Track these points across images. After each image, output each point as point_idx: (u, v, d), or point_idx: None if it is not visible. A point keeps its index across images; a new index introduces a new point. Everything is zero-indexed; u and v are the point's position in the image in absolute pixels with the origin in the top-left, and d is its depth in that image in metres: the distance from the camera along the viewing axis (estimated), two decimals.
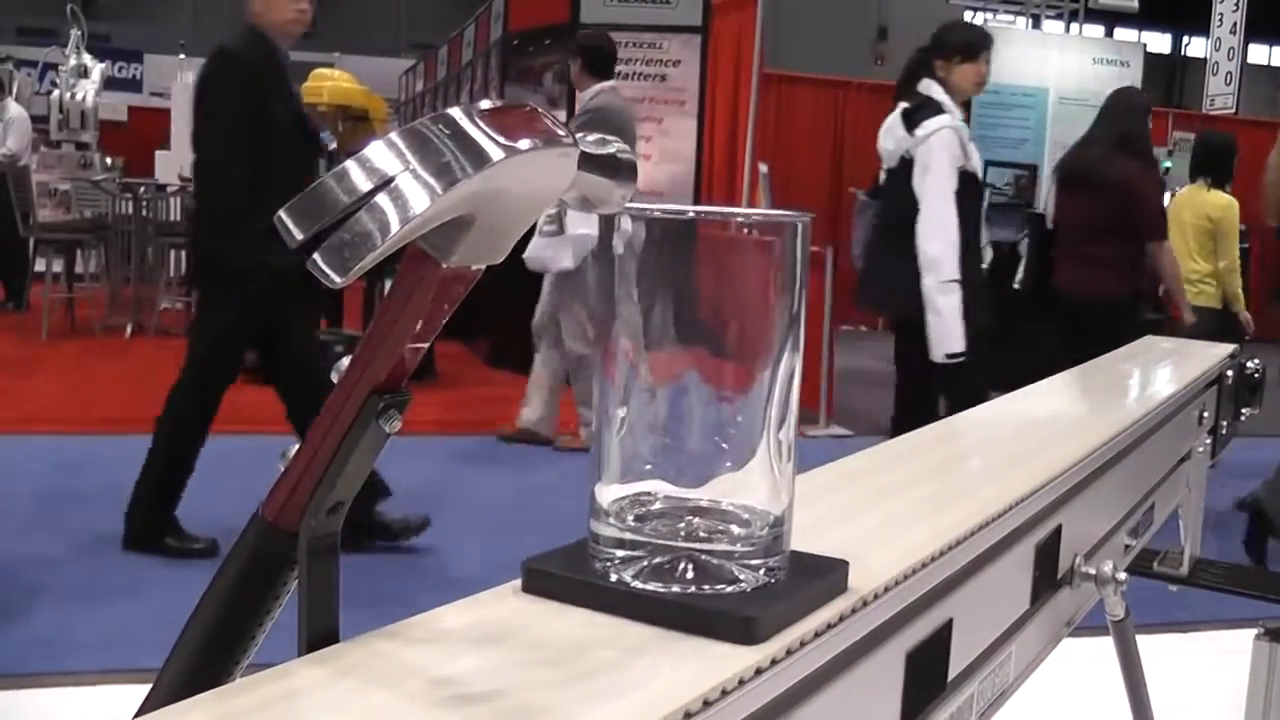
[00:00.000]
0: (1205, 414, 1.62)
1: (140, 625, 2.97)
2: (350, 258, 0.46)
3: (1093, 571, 1.03)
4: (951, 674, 0.76)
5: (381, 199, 0.46)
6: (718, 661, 0.52)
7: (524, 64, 7.72)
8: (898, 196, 3.98)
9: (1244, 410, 1.79)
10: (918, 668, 0.70)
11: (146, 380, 6.59)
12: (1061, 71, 8.59)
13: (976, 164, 4.03)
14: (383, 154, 0.47)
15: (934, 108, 3.95)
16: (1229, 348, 1.79)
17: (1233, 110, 11.35)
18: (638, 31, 7.13)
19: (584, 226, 5.03)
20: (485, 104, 0.50)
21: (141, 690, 0.62)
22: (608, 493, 0.58)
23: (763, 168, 8.83)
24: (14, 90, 10.32)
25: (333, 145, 6.94)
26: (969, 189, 3.94)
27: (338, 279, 0.46)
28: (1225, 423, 1.73)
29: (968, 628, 0.78)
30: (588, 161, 0.53)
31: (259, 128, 3.41)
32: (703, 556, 0.57)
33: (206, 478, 4.18)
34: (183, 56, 15.25)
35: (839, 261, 6.57)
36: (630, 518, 0.58)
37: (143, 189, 9.01)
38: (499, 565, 0.68)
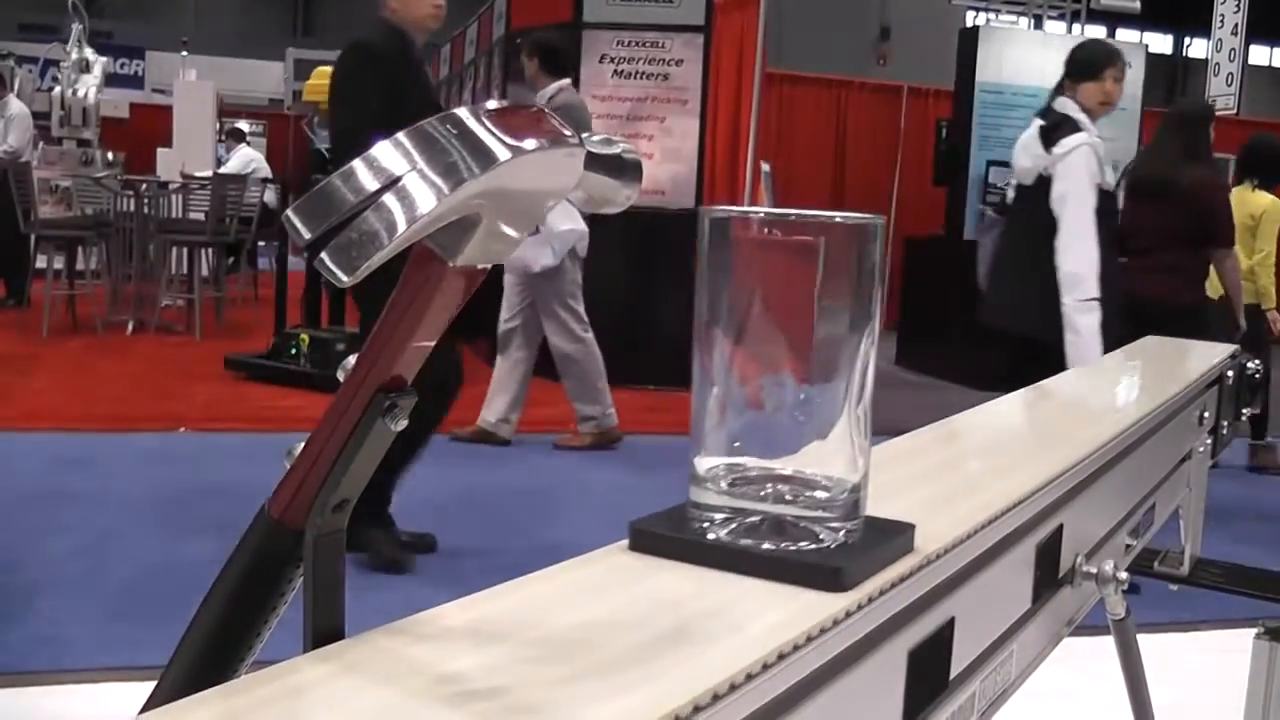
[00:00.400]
0: (1206, 414, 1.62)
1: (141, 623, 2.97)
2: (357, 257, 0.46)
3: (1094, 571, 1.03)
4: (953, 673, 0.76)
5: (388, 199, 0.47)
6: (811, 607, 0.59)
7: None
8: (1031, 213, 3.98)
9: (1244, 410, 1.80)
10: (919, 666, 0.70)
11: (147, 378, 6.61)
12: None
13: (1110, 181, 4.03)
14: (390, 154, 0.48)
15: (1071, 125, 3.95)
16: (1229, 348, 1.80)
17: (1234, 111, 11.34)
18: (640, 30, 7.13)
19: (566, 223, 5.02)
20: (492, 104, 0.50)
21: (142, 688, 0.62)
22: (705, 463, 0.66)
23: (765, 167, 8.83)
24: (15, 86, 10.32)
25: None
26: (1105, 206, 3.92)
27: (345, 278, 0.47)
28: (1226, 423, 1.73)
29: (969, 626, 0.78)
30: (594, 161, 0.54)
31: (394, 121, 3.44)
32: (789, 518, 0.64)
33: (212, 476, 4.19)
34: (185, 53, 15.25)
35: None
36: (724, 484, 0.65)
37: (144, 186, 9.01)
38: (499, 564, 0.68)
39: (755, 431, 0.64)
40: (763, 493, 0.64)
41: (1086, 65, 4.11)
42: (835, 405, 0.63)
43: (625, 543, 0.67)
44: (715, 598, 0.61)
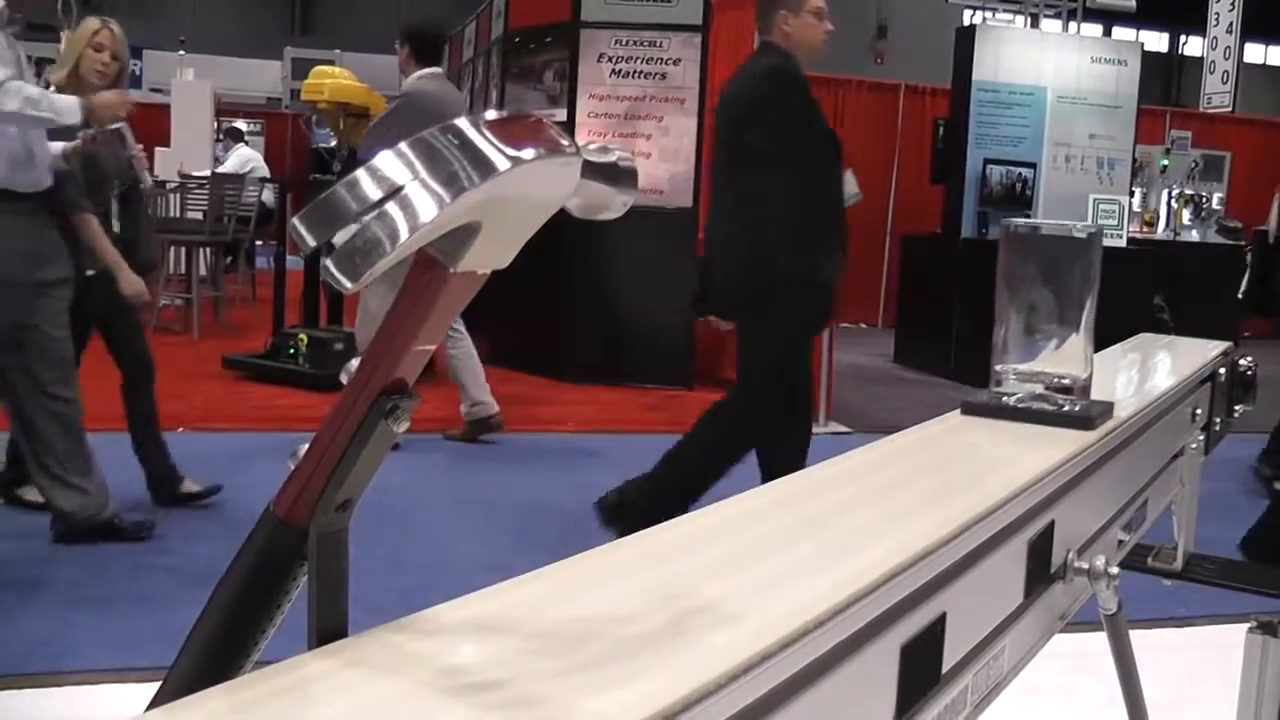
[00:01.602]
0: (1199, 411, 1.64)
1: (142, 624, 2.98)
2: (361, 264, 0.48)
3: (1085, 566, 1.05)
4: (945, 667, 0.78)
5: (391, 207, 0.48)
6: (1075, 439, 1.08)
7: (524, 61, 7.73)
8: None
9: (1237, 407, 1.81)
10: (912, 661, 0.71)
11: None
12: (1059, 70, 8.59)
13: None
14: (392, 164, 0.49)
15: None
16: (1223, 345, 1.81)
17: (1229, 109, 11.37)
18: (638, 30, 7.14)
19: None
20: (491, 114, 0.51)
21: (143, 689, 0.64)
22: (1003, 366, 1.19)
23: None
24: None
25: (333, 143, 6.95)
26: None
27: (349, 285, 0.48)
28: (1219, 419, 1.74)
29: (962, 621, 0.79)
30: (590, 169, 0.55)
31: (809, 141, 3.57)
32: (1051, 395, 1.17)
33: (211, 476, 4.20)
34: (182, 53, 15.23)
35: None
36: (1013, 377, 1.19)
37: (142, 185, 9.00)
38: (498, 561, 0.69)
39: (1031, 349, 1.18)
40: (1035, 379, 1.17)
41: None
42: (1076, 334, 1.17)
43: (959, 411, 1.19)
44: (1010, 434, 1.11)
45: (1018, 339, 1.17)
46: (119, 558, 3.57)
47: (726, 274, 3.65)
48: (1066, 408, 1.14)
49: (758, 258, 3.51)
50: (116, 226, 3.97)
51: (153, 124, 13.37)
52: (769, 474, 3.49)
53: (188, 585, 3.22)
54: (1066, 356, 1.17)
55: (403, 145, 0.49)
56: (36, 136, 3.39)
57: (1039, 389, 1.17)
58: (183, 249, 8.71)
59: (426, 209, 0.48)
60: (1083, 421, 1.11)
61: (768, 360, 3.66)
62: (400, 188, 0.48)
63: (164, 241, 8.65)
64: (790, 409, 3.70)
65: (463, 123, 0.50)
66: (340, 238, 0.48)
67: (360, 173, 0.49)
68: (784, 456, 3.55)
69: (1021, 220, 1.20)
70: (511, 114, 0.52)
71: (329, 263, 0.48)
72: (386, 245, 0.48)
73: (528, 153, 0.50)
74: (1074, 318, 1.17)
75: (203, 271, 8.80)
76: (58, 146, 3.56)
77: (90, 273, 3.76)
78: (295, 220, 0.48)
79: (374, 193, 0.48)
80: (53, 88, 3.70)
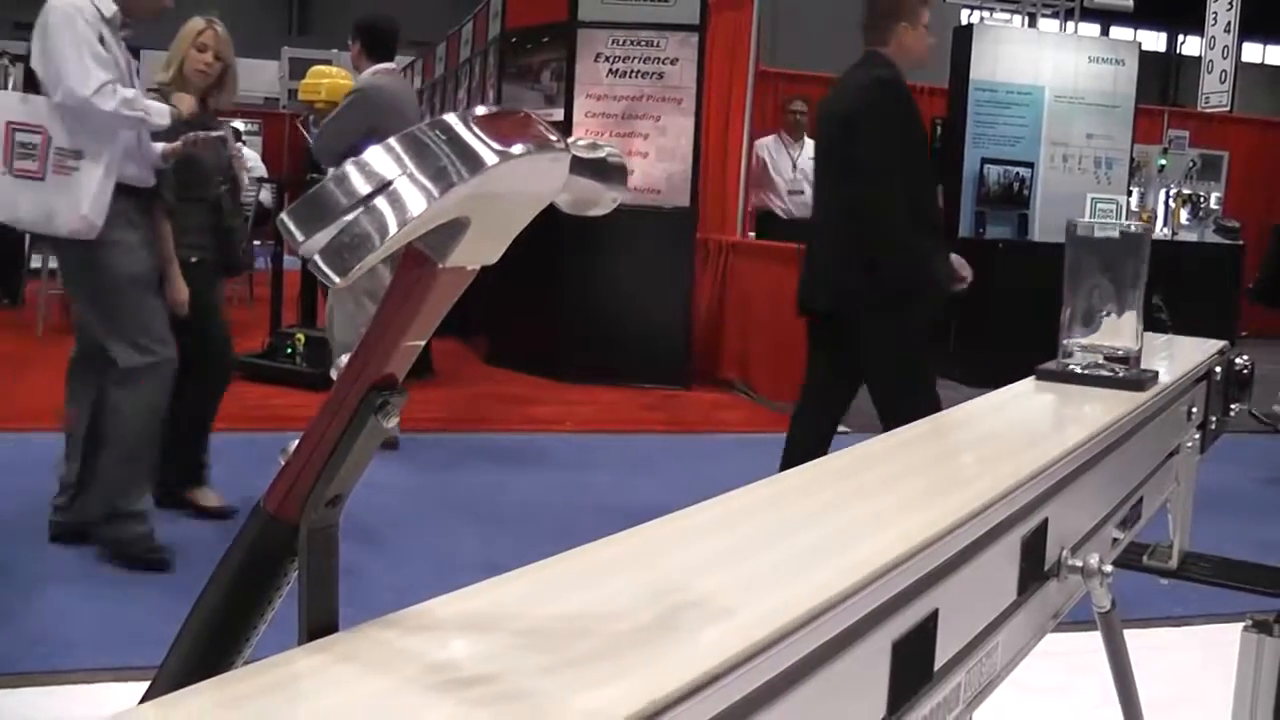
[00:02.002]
0: (1194, 409, 1.64)
1: (135, 624, 2.98)
2: (350, 258, 0.48)
3: (1079, 564, 1.05)
4: (938, 664, 0.78)
5: (380, 202, 0.48)
6: (1129, 398, 1.32)
7: (521, 61, 7.72)
8: None
9: (1233, 406, 1.81)
10: (904, 657, 0.71)
11: None
12: (1057, 69, 8.59)
13: None
14: (381, 159, 0.49)
15: None
16: (1219, 344, 1.81)
17: (1227, 108, 11.37)
18: (635, 29, 7.13)
19: None
20: (480, 110, 0.51)
21: (136, 688, 0.63)
22: (1069, 341, 1.45)
23: None
24: (10, 85, 10.30)
25: None
26: None
27: (338, 279, 0.48)
28: (1214, 418, 1.75)
29: (954, 618, 0.79)
30: (579, 165, 0.55)
31: (910, 153, 3.67)
32: (1108, 363, 1.42)
33: (216, 473, 4.20)
34: None
35: None
36: (1076, 349, 1.44)
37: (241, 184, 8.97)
38: (495, 561, 0.69)
39: (1088, 324, 1.45)
40: (1096, 349, 1.43)
41: None
42: (1129, 313, 1.43)
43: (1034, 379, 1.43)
44: (1077, 395, 1.37)
45: (1080, 318, 1.44)
46: (113, 556, 3.56)
47: (840, 281, 3.70)
48: (1121, 374, 1.41)
49: (872, 264, 3.57)
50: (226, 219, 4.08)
51: None
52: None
53: (186, 584, 3.21)
54: (1120, 332, 1.43)
55: (391, 140, 0.49)
56: (143, 136, 3.52)
57: (1099, 359, 1.43)
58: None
59: (415, 203, 0.48)
60: (1135, 384, 1.38)
61: (902, 363, 3.76)
62: (389, 182, 0.48)
63: None
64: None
65: (451, 118, 0.50)
66: (322, 238, 0.48)
67: (349, 167, 0.49)
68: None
69: (1083, 221, 1.46)
70: (500, 110, 0.52)
71: (317, 258, 0.48)
72: (375, 239, 0.48)
73: (516, 148, 0.50)
74: (1127, 301, 1.44)
75: None
76: (159, 146, 3.65)
77: (194, 259, 3.84)
78: (284, 215, 0.48)
79: (363, 187, 0.48)
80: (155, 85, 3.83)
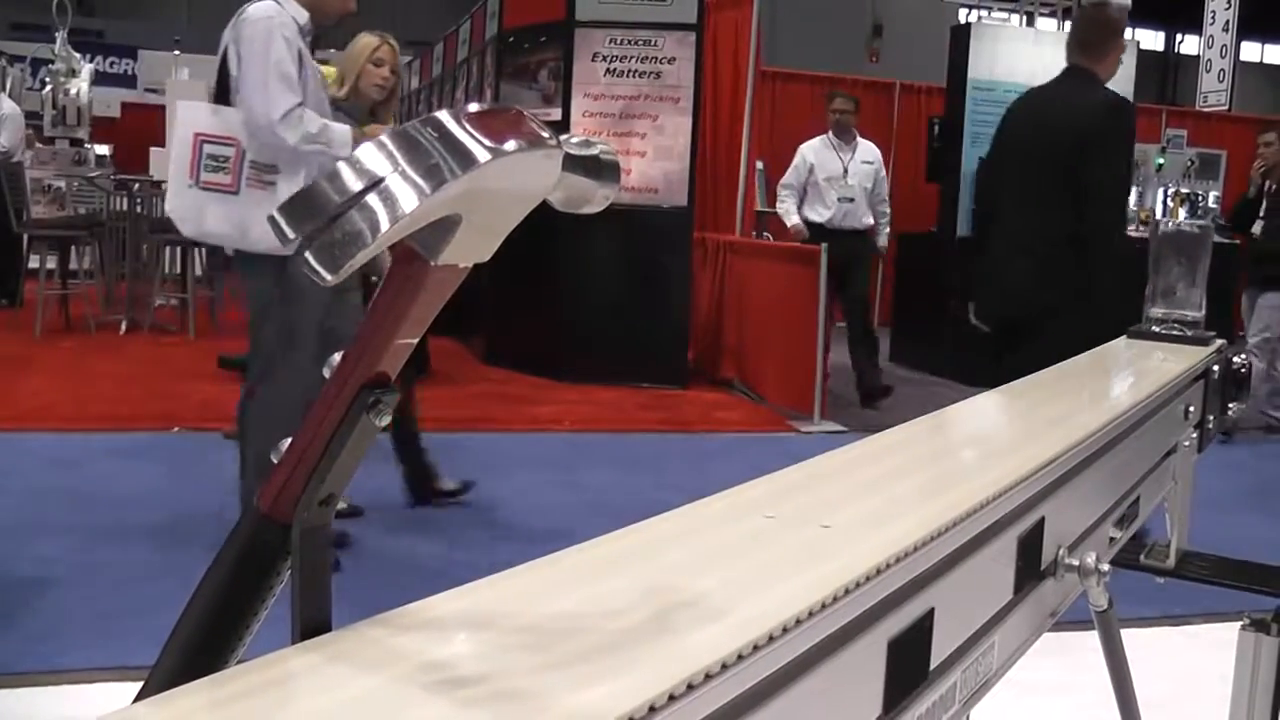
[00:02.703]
0: (1192, 408, 1.64)
1: (134, 623, 2.98)
2: (341, 256, 0.47)
3: (1076, 563, 1.05)
4: (934, 663, 0.77)
5: (372, 199, 0.48)
6: (1197, 351, 1.74)
7: (519, 61, 7.72)
8: None
9: (1230, 405, 1.81)
10: (899, 656, 0.71)
11: (141, 377, 6.60)
12: (1055, 68, 8.59)
13: None
14: (373, 155, 0.49)
15: None
16: (1217, 343, 1.81)
17: (1226, 107, 11.37)
18: (633, 29, 7.13)
19: None
20: (473, 107, 0.51)
21: (135, 689, 0.63)
22: (1153, 310, 1.88)
23: (758, 164, 8.83)
24: (7, 86, 10.30)
25: None
26: None
27: (328, 276, 0.48)
28: (1212, 417, 1.75)
29: (950, 617, 0.79)
30: (572, 162, 0.55)
31: (1130, 173, 3.88)
32: (1180, 327, 1.86)
33: (207, 475, 4.20)
34: (177, 53, 15.19)
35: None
36: (1159, 314, 1.88)
37: (137, 185, 8.99)
38: (493, 561, 0.69)
39: (1169, 299, 1.86)
40: (1171, 319, 1.85)
41: None
42: (1193, 289, 1.86)
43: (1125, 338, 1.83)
44: (1160, 349, 1.73)
45: (1162, 293, 1.87)
46: (112, 557, 3.56)
47: (1034, 293, 3.71)
48: (1190, 334, 1.83)
49: (1084, 283, 3.61)
50: None
51: (148, 123, 13.37)
52: None
53: (182, 584, 3.21)
54: (1190, 303, 1.85)
55: (383, 137, 0.49)
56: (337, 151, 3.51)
57: (1170, 328, 1.84)
58: (178, 249, 8.70)
59: (407, 200, 0.48)
60: (1200, 341, 1.80)
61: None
62: (381, 179, 0.48)
63: (160, 241, 8.64)
64: None
65: (443, 115, 0.50)
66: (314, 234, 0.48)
67: (340, 164, 0.49)
68: None
69: (1162, 219, 1.66)
70: (493, 107, 0.51)
71: (308, 255, 0.48)
72: (367, 236, 0.47)
73: (509, 145, 0.50)
74: (1195, 280, 1.85)
75: (198, 271, 8.78)
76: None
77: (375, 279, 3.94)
78: (275, 212, 0.48)
79: (355, 184, 0.48)
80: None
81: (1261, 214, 6.94)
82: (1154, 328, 1.84)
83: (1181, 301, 1.85)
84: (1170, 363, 1.60)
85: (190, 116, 3.40)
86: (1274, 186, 6.89)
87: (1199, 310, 1.86)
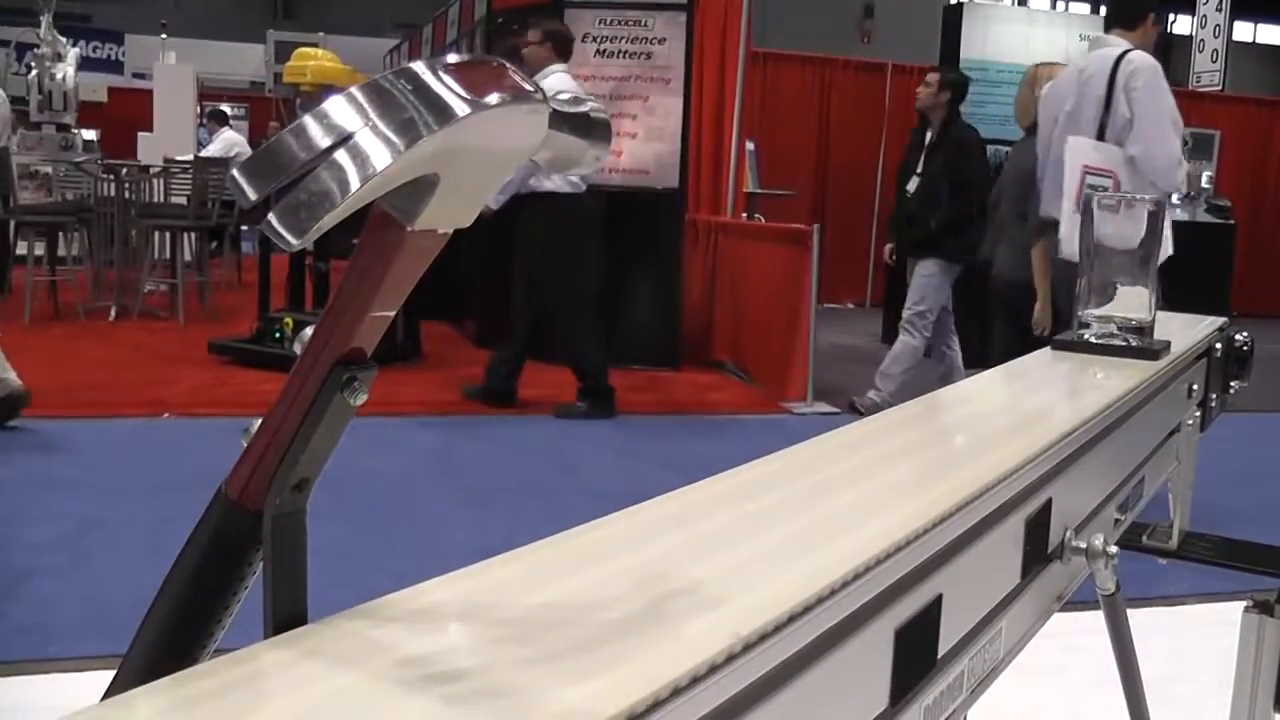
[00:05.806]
0: (1195, 387, 1.61)
1: (124, 610, 2.95)
2: (307, 218, 0.43)
3: (1083, 545, 1.02)
4: (941, 650, 0.74)
5: (340, 156, 0.44)
6: (1145, 368, 1.31)
7: (508, 42, 7.66)
8: None
9: (1233, 383, 1.78)
10: (907, 644, 0.68)
11: (131, 363, 6.56)
12: (1048, 48, 8.55)
13: None
14: (342, 109, 0.45)
15: None
16: (1219, 321, 1.78)
17: (1219, 88, 11.35)
18: (622, 9, 7.08)
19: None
20: (452, 58, 0.47)
21: None
22: (1085, 313, 1.43)
23: (749, 145, 8.79)
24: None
25: None
26: None
27: (294, 240, 0.44)
28: (1215, 395, 1.72)
29: (957, 603, 0.76)
30: (559, 120, 0.51)
31: None
32: (1121, 331, 1.41)
33: (197, 461, 4.16)
34: (164, 37, 15.11)
35: (824, 240, 6.55)
36: (1093, 320, 1.42)
37: (125, 170, 8.92)
38: (488, 544, 0.66)
39: (1104, 297, 1.42)
40: (1110, 320, 1.41)
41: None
42: (1142, 288, 1.42)
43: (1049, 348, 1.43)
44: (1088, 363, 1.35)
45: (1096, 290, 1.43)
46: (102, 545, 3.53)
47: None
48: (1135, 343, 1.40)
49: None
50: None
51: (135, 108, 13.29)
52: None
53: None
54: (1135, 304, 1.41)
55: (354, 89, 0.45)
56: None
57: (1113, 329, 1.41)
58: (167, 234, 8.64)
59: (380, 157, 0.43)
60: (1150, 354, 1.37)
61: None
62: (350, 135, 0.44)
63: (148, 226, 8.58)
64: None
65: (419, 65, 0.46)
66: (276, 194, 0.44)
67: (306, 119, 0.44)
68: None
69: (1101, 193, 1.55)
70: (473, 58, 0.47)
71: (271, 218, 0.44)
72: (335, 196, 0.43)
73: (490, 98, 0.46)
74: (1141, 273, 1.41)
75: (187, 256, 8.72)
76: None
77: None
78: (234, 170, 0.44)
79: (322, 140, 0.44)
80: None
81: (919, 169, 6.12)
82: (1088, 336, 1.43)
83: (1129, 304, 1.43)
84: (1107, 386, 1.23)
85: (1079, 148, 3.81)
86: (934, 137, 6.08)
87: (1147, 313, 1.42)
